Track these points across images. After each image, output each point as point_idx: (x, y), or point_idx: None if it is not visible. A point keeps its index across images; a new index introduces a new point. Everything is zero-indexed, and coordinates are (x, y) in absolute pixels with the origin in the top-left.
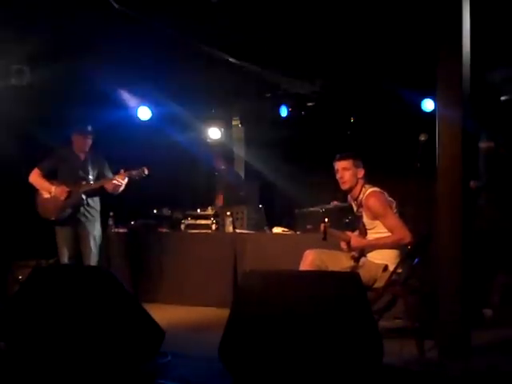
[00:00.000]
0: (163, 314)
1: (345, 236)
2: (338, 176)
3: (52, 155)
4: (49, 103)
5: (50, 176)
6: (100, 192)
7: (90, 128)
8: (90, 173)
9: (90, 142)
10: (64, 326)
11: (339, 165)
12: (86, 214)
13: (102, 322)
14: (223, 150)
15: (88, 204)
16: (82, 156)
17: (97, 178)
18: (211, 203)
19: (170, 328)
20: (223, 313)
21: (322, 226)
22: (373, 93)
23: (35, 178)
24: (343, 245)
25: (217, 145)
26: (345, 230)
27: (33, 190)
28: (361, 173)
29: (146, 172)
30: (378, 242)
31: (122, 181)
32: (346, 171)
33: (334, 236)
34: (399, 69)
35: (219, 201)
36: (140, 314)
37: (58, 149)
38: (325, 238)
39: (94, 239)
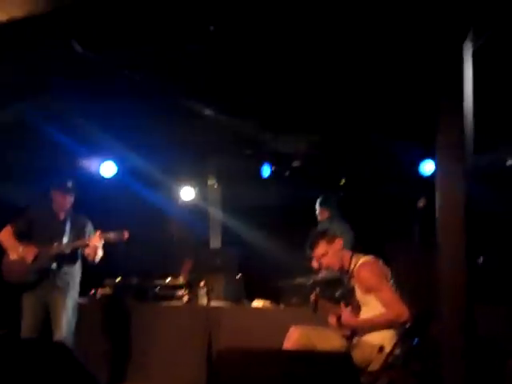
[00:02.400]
0: None
1: (337, 310)
2: (321, 264)
3: (27, 212)
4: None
5: (24, 236)
6: (77, 257)
7: (70, 184)
8: (67, 234)
9: (70, 199)
10: None
11: (315, 255)
12: (58, 281)
13: None
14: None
15: (61, 270)
16: (62, 215)
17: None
18: (182, 271)
19: None
20: None
21: (313, 295)
22: (366, 152)
23: (4, 236)
24: (332, 319)
25: (190, 206)
26: (336, 304)
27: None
28: (338, 244)
29: (126, 236)
30: (372, 321)
31: (97, 243)
32: (325, 257)
33: (325, 309)
34: (395, 126)
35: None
36: None
37: (34, 205)
38: (316, 310)
39: (66, 312)
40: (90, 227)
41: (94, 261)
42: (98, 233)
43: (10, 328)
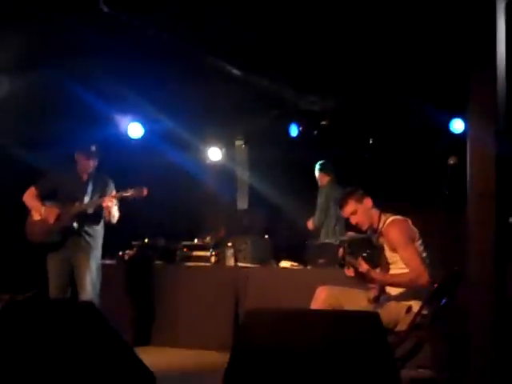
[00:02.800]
0: (155, 358)
1: (357, 263)
2: (351, 222)
3: (50, 174)
4: (30, 118)
5: (48, 197)
6: (100, 218)
7: (93, 148)
8: (89, 194)
9: (93, 163)
10: (40, 371)
11: (344, 213)
12: (82, 241)
13: (84, 366)
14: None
15: (83, 230)
16: (85, 176)
17: None
18: (210, 232)
19: (162, 373)
20: (222, 357)
21: (341, 250)
22: (395, 110)
23: (28, 197)
24: (349, 272)
25: (217, 167)
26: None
27: (21, 216)
28: (368, 202)
29: (145, 193)
30: (393, 279)
31: (109, 204)
32: (354, 215)
33: (350, 264)
34: (426, 84)
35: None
36: (128, 357)
37: (58, 167)
38: (343, 266)
39: (90, 272)
40: (111, 187)
41: (109, 221)
42: (112, 193)
43: (39, 288)
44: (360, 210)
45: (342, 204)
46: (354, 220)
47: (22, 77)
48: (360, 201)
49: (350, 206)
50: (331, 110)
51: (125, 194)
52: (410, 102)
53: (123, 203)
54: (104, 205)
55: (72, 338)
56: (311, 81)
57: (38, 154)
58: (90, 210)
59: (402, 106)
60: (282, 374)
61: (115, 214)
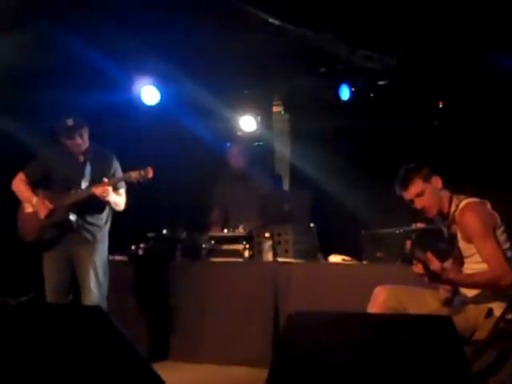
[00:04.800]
0: (174, 375)
1: (427, 259)
2: (415, 207)
3: (41, 156)
4: (18, 84)
5: (40, 183)
6: (104, 204)
7: (71, 122)
8: (86, 178)
9: (79, 141)
10: None
11: (407, 195)
12: (83, 234)
13: (90, 382)
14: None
15: (84, 220)
16: (81, 157)
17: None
18: (243, 220)
19: None
20: (258, 374)
21: (408, 243)
22: (470, 68)
23: (18, 185)
24: (418, 268)
25: (251, 139)
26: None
27: (12, 203)
28: (437, 182)
29: (151, 174)
30: (470, 279)
31: (101, 193)
32: (420, 197)
33: (420, 261)
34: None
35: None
36: (143, 372)
37: (49, 146)
38: (411, 262)
39: (95, 271)
40: (115, 166)
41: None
42: (104, 181)
43: (35, 292)
44: (428, 191)
45: (405, 183)
46: (419, 203)
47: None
48: (428, 180)
49: (416, 186)
50: (391, 66)
51: (122, 179)
52: (491, 57)
53: (132, 185)
54: (97, 194)
55: (76, 349)
56: (365, 32)
57: (27, 129)
58: (89, 196)
59: (480, 62)
60: None
61: (117, 200)
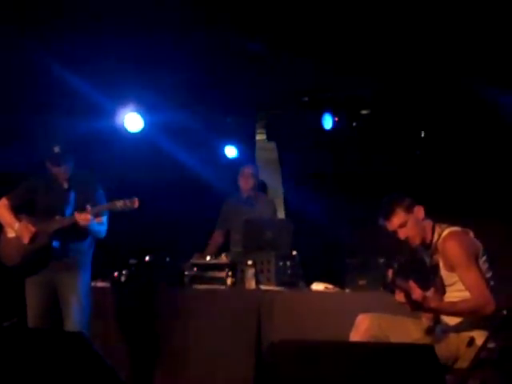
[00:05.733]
0: None
1: (409, 288)
2: (398, 237)
3: (26, 182)
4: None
5: (24, 209)
6: (87, 230)
7: (57, 150)
8: (71, 205)
9: (64, 168)
10: None
11: (390, 226)
12: (66, 260)
13: None
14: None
15: (67, 247)
16: (65, 184)
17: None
18: (226, 248)
19: None
20: None
21: (390, 271)
22: (453, 96)
23: (0, 210)
24: (399, 296)
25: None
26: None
27: None
28: (420, 212)
29: (136, 205)
30: (452, 308)
31: (83, 222)
32: (403, 228)
33: (402, 289)
34: (492, 61)
35: (236, 244)
36: None
37: (35, 174)
38: (393, 291)
39: (78, 297)
40: (99, 193)
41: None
42: (87, 208)
43: (19, 317)
44: (410, 221)
45: (388, 214)
46: (402, 234)
47: None
48: (410, 210)
49: (399, 217)
50: (374, 96)
51: (107, 207)
52: (474, 85)
53: (116, 214)
54: (79, 221)
55: (58, 375)
56: (349, 59)
57: (8, 154)
58: (72, 224)
59: (463, 90)
60: None
61: (98, 228)
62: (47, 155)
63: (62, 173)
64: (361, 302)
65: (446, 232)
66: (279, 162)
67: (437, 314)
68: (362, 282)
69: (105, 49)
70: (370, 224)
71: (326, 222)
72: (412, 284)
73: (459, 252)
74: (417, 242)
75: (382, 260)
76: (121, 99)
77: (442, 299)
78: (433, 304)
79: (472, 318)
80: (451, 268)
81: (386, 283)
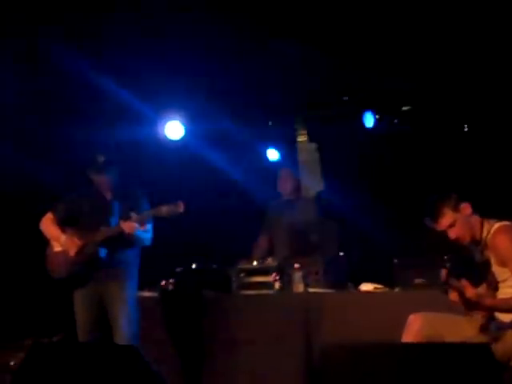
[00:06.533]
0: None
1: (461, 286)
2: (449, 237)
3: (69, 195)
4: (45, 122)
5: (69, 223)
6: (132, 240)
7: (101, 159)
8: (115, 216)
9: (108, 178)
10: None
11: (439, 227)
12: (113, 270)
13: None
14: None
15: (114, 258)
16: (108, 194)
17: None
18: (271, 253)
19: None
20: None
21: (443, 271)
22: (498, 89)
23: (45, 224)
24: (453, 296)
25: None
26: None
27: (41, 244)
28: (467, 209)
29: (182, 209)
30: (505, 303)
31: (129, 231)
32: (453, 227)
33: (455, 289)
34: None
35: (281, 249)
36: None
37: (77, 186)
38: (447, 291)
39: (125, 306)
40: (143, 202)
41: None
42: (132, 216)
43: (66, 331)
44: (459, 221)
45: (435, 215)
46: (453, 234)
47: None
48: (457, 208)
49: (447, 218)
50: (415, 91)
51: (152, 214)
52: None
53: (161, 221)
54: (124, 229)
55: None
56: (387, 56)
57: (49, 166)
58: (118, 234)
59: (506, 78)
60: None
61: (143, 236)
62: (91, 165)
63: (105, 182)
64: (411, 301)
65: (495, 227)
66: (320, 163)
67: (492, 311)
68: (418, 281)
69: (146, 57)
70: (415, 223)
71: (368, 222)
72: (465, 283)
73: (509, 246)
74: (467, 239)
75: (432, 259)
76: (161, 107)
77: (494, 296)
78: (487, 302)
79: None
80: (503, 263)
81: (440, 283)
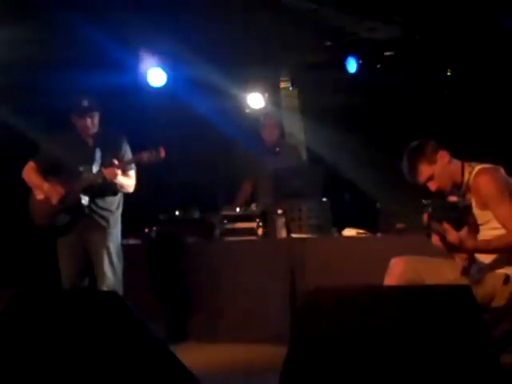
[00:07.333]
0: (194, 356)
1: (443, 230)
2: (430, 189)
3: (49, 142)
4: (19, 66)
5: (51, 170)
6: (116, 188)
7: (86, 103)
8: (97, 162)
9: (91, 121)
10: (57, 374)
11: (419, 182)
12: (95, 218)
13: (109, 368)
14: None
15: (96, 205)
16: (90, 140)
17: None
18: (254, 199)
19: (204, 374)
20: (278, 351)
21: (426, 216)
22: (480, 33)
23: (28, 173)
24: (435, 239)
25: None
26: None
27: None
28: (444, 157)
29: (163, 154)
30: (487, 245)
31: (112, 178)
32: (431, 181)
33: (437, 232)
34: None
35: (264, 195)
36: (162, 357)
37: (58, 133)
38: (429, 235)
39: (109, 253)
40: (125, 149)
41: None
42: (114, 163)
43: (50, 281)
44: (437, 172)
45: (412, 172)
46: (433, 186)
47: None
48: (433, 160)
49: (424, 173)
50: (397, 36)
51: (133, 160)
52: (504, 20)
53: (143, 168)
54: (106, 176)
55: (93, 335)
56: (371, 1)
57: (28, 114)
58: (99, 181)
59: (490, 26)
60: (353, 367)
61: (126, 182)
62: (74, 108)
63: (88, 127)
64: (393, 245)
65: (476, 169)
66: (299, 109)
67: (473, 253)
68: (399, 226)
69: (128, 1)
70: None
71: (352, 168)
72: (446, 226)
73: (491, 187)
74: (449, 188)
75: (424, 201)
76: (144, 54)
77: (475, 238)
78: (469, 244)
79: (507, 255)
80: (484, 205)
81: (421, 227)
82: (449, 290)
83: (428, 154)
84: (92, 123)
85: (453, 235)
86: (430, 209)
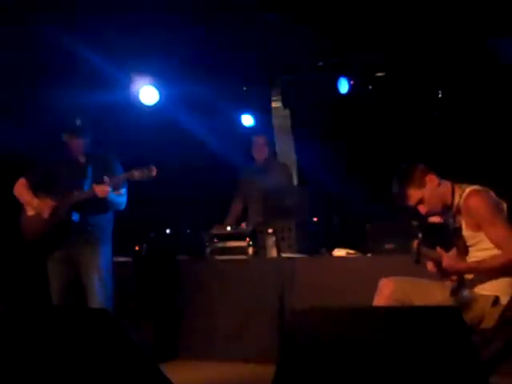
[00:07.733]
0: (183, 374)
1: (436, 255)
2: (420, 213)
3: (42, 160)
4: (17, 85)
5: (42, 187)
6: (107, 205)
7: (78, 123)
8: (89, 179)
9: (83, 141)
10: None
11: (409, 205)
12: (86, 235)
13: None
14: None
15: (87, 222)
16: (81, 158)
17: None
18: (245, 218)
19: None
20: (265, 369)
21: (415, 242)
22: (469, 55)
23: (19, 189)
24: (430, 266)
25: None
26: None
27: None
28: (433, 180)
29: (154, 172)
30: (481, 266)
31: (101, 194)
32: (421, 204)
33: (427, 257)
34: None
35: (254, 214)
36: (151, 375)
37: (49, 151)
38: (418, 261)
39: (99, 270)
40: (116, 167)
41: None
42: (105, 180)
43: (39, 296)
44: (426, 195)
45: (402, 198)
46: (423, 210)
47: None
48: (422, 184)
49: (414, 197)
50: (389, 58)
51: (125, 177)
52: (492, 44)
53: (134, 186)
54: (97, 193)
55: (82, 352)
56: (362, 24)
57: (19, 132)
58: (91, 197)
59: (478, 47)
60: None
61: (118, 200)
62: (67, 128)
63: (80, 146)
64: (383, 266)
65: (466, 191)
66: (291, 129)
67: (462, 275)
68: (388, 246)
69: (119, 21)
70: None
71: (342, 188)
72: (440, 251)
73: (484, 208)
74: (439, 210)
75: (404, 224)
76: (136, 73)
77: (465, 260)
78: (462, 266)
79: (496, 277)
80: (476, 226)
81: (412, 253)
82: (437, 312)
83: (417, 178)
84: (84, 142)
85: (447, 260)
86: (419, 235)
